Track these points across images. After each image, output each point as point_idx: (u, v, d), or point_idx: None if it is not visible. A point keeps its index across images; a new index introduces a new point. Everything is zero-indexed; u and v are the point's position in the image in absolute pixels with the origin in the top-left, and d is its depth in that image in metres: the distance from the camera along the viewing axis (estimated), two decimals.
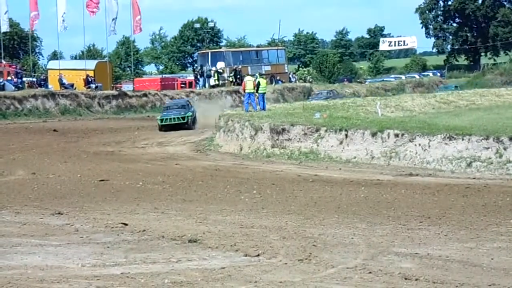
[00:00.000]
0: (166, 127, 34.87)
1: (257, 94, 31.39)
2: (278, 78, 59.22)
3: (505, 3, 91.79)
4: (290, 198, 16.03)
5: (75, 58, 78.15)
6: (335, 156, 23.09)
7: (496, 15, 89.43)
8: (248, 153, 25.25)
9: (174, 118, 35.34)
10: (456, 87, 54.71)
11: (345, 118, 26.09)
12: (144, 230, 12.03)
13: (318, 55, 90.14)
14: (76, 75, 52.06)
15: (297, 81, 64.96)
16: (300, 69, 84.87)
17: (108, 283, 8.78)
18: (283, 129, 24.97)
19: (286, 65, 64.71)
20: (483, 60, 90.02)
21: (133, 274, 9.17)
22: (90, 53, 78.01)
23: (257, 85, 31.35)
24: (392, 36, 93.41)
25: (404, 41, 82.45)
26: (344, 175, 20.01)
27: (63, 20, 51.68)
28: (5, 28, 53.11)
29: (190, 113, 36.23)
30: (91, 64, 56.40)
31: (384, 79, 71.44)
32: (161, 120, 35.42)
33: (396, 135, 22.59)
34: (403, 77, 72.76)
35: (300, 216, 13.59)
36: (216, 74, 53.94)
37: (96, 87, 50.40)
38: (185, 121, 35.47)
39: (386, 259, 10.05)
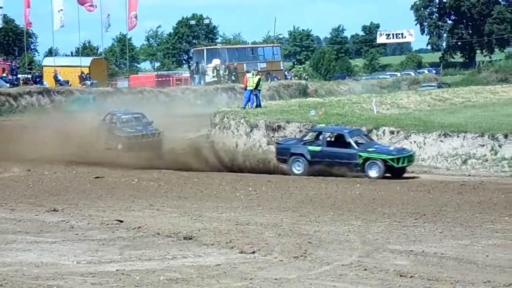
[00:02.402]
0: None
1: (255, 91, 31.35)
2: (273, 75, 59.16)
3: (500, 0, 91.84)
4: (285, 195, 16.04)
5: (71, 55, 77.98)
6: None
7: (492, 12, 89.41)
8: (243, 150, 25.22)
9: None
10: (440, 85, 54.55)
11: (340, 115, 26.10)
12: (139, 227, 12.02)
13: (316, 52, 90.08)
14: (71, 72, 51.98)
15: (293, 78, 64.91)
16: (296, 66, 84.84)
17: (103, 280, 8.78)
18: (279, 126, 24.98)
19: (281, 62, 64.67)
20: (479, 57, 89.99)
21: (128, 271, 9.16)
22: (86, 50, 77.86)
23: (257, 83, 31.33)
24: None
25: (402, 34, 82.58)
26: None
27: (61, 17, 51.59)
28: None
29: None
30: (86, 61, 56.31)
31: (380, 76, 71.40)
32: None
33: (392, 132, 22.62)
34: (398, 74, 72.72)
35: (295, 213, 13.59)
36: (214, 71, 53.93)
37: (91, 84, 50.31)
38: None
39: (381, 256, 10.06)
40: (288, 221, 12.76)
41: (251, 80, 30.93)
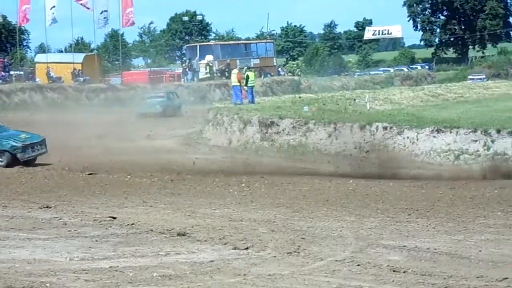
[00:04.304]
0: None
1: (245, 87, 31.44)
2: (267, 71, 59.18)
3: None
4: (279, 191, 16.03)
5: (65, 51, 77.75)
6: (323, 149, 23.14)
7: (484, 7, 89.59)
8: (237, 146, 25.25)
9: None
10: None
11: (333, 111, 26.15)
12: (132, 224, 12.00)
13: (309, 48, 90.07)
14: (64, 68, 51.85)
15: (286, 74, 64.91)
16: (289, 62, 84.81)
17: (97, 277, 8.76)
18: (272, 122, 25.00)
19: (274, 58, 64.68)
20: (471, 53, 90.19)
21: (122, 268, 9.14)
22: (78, 46, 77.65)
23: (246, 79, 31.37)
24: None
25: (388, 30, 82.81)
26: (332, 168, 20.03)
27: (53, 13, 51.45)
28: None
29: None
30: (79, 57, 56.18)
31: (372, 72, 71.48)
32: None
33: (385, 128, 22.66)
34: (391, 70, 72.81)
35: (289, 209, 13.59)
36: (207, 67, 53.89)
37: (84, 80, 50.21)
38: None
39: (375, 251, 10.06)
40: (281, 217, 12.76)
41: (233, 76, 31.31)
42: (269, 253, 9.93)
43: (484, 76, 56.86)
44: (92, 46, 76.55)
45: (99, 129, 27.58)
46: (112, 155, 21.92)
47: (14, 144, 21.00)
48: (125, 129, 32.90)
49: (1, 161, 20.94)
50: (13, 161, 20.90)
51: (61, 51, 78.42)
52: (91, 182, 17.64)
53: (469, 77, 57.73)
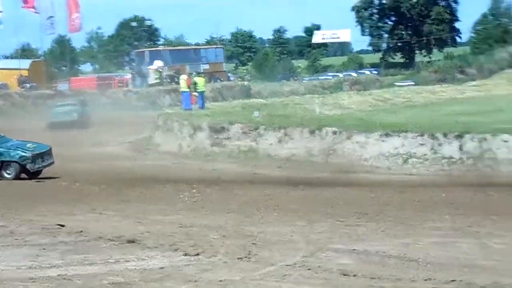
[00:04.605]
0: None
1: (195, 93, 31.43)
2: (216, 76, 59.11)
3: (438, 1, 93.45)
4: (230, 197, 16.01)
5: (11, 57, 76.52)
6: (274, 154, 23.20)
7: (430, 13, 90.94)
8: (187, 152, 25.15)
9: None
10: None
11: (283, 116, 26.26)
12: (81, 231, 11.85)
13: (258, 53, 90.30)
14: (10, 75, 51.00)
15: (236, 80, 64.93)
16: (239, 67, 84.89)
17: (44, 285, 8.63)
18: (222, 128, 24.98)
19: (224, 64, 64.65)
20: (418, 58, 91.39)
21: (70, 276, 9.02)
22: (25, 52, 76.52)
23: (194, 84, 31.47)
24: None
25: (337, 34, 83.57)
26: (283, 173, 20.10)
27: None
28: None
29: None
30: (26, 63, 55.34)
31: (320, 78, 71.90)
32: None
33: (334, 133, 22.81)
34: (340, 75, 73.33)
35: (240, 215, 13.58)
36: (157, 73, 53.60)
37: (31, 86, 49.45)
38: None
39: (325, 255, 10.12)
40: (232, 222, 12.74)
41: (182, 81, 31.45)
42: (220, 259, 9.91)
43: (412, 83, 56.89)
44: (39, 52, 75.50)
45: (47, 135, 27.19)
46: (59, 161, 21.60)
47: (23, 154, 19.57)
48: (74, 135, 32.58)
49: (8, 174, 19.43)
50: (21, 173, 19.60)
51: (7, 57, 77.15)
52: (38, 190, 17.39)
53: (397, 83, 57.79)
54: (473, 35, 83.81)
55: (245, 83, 60.52)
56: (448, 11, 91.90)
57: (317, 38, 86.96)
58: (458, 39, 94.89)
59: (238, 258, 9.90)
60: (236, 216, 13.49)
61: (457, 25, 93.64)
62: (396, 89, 47.39)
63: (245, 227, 12.25)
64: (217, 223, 12.65)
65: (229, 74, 65.65)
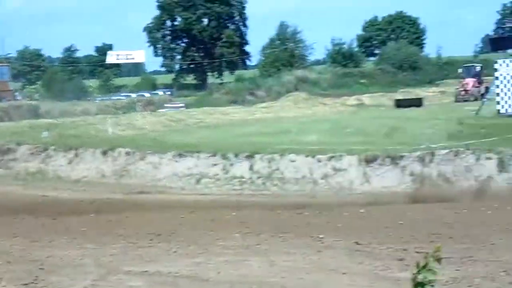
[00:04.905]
0: None
1: None
2: (2, 96, 56.65)
3: (229, 25, 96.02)
4: (15, 221, 15.31)
5: None
6: (64, 175, 22.59)
7: (221, 36, 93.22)
8: None
9: None
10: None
11: (75, 137, 25.66)
12: None
13: (47, 72, 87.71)
14: None
15: (24, 99, 62.58)
16: (27, 86, 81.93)
17: None
18: (9, 149, 23.92)
19: (9, 82, 62.12)
20: (210, 79, 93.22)
21: None
22: None
23: None
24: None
25: (131, 55, 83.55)
26: (74, 195, 19.58)
27: None
28: None
29: None
30: None
31: (113, 98, 71.15)
32: None
33: (127, 153, 22.61)
34: (133, 95, 73.01)
35: (26, 239, 13.00)
36: None
37: None
38: None
39: (116, 278, 9.92)
40: (18, 247, 12.17)
41: None
42: (4, 286, 9.41)
43: (183, 105, 57.97)
44: None
45: None
46: None
47: None
48: None
49: None
50: None
51: None
52: None
53: (166, 105, 58.74)
54: (262, 58, 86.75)
55: (33, 102, 58.53)
56: (237, 35, 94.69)
57: (111, 58, 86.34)
58: (248, 62, 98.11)
59: (24, 284, 9.46)
60: (22, 240, 12.91)
61: (247, 48, 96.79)
62: (166, 110, 47.94)
63: (32, 252, 11.75)
64: (2, 248, 12.03)
65: (16, 93, 63.13)
